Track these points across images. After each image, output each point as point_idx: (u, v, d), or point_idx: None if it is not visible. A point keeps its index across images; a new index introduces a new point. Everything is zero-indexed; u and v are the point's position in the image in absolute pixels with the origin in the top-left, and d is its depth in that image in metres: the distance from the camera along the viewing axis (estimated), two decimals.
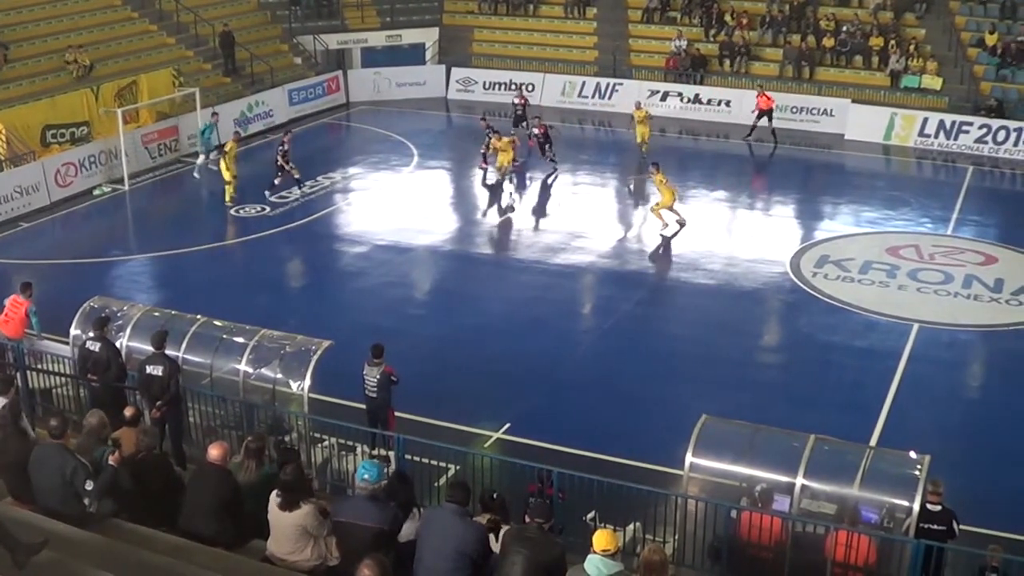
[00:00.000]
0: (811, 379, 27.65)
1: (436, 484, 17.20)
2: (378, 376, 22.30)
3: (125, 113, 43.39)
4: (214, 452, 15.24)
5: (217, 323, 23.70)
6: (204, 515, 14.88)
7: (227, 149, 40.47)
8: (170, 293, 31.83)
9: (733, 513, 17.85)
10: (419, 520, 14.91)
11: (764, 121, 49.01)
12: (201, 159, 43.58)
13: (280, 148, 40.98)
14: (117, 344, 22.23)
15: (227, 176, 39.89)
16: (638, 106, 47.11)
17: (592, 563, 13.12)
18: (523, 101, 49.00)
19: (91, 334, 21.97)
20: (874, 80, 52.23)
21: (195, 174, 43.29)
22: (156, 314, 24.45)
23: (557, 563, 13.70)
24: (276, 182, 40.87)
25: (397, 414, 22.82)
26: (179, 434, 20.72)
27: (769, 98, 49.16)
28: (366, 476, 14.21)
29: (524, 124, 47.24)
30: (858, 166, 47.79)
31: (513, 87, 55.80)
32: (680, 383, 26.70)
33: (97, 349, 21.34)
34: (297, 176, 41.03)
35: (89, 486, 14.57)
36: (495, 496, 16.79)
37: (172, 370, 20.65)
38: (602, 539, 13.25)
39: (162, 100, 46.59)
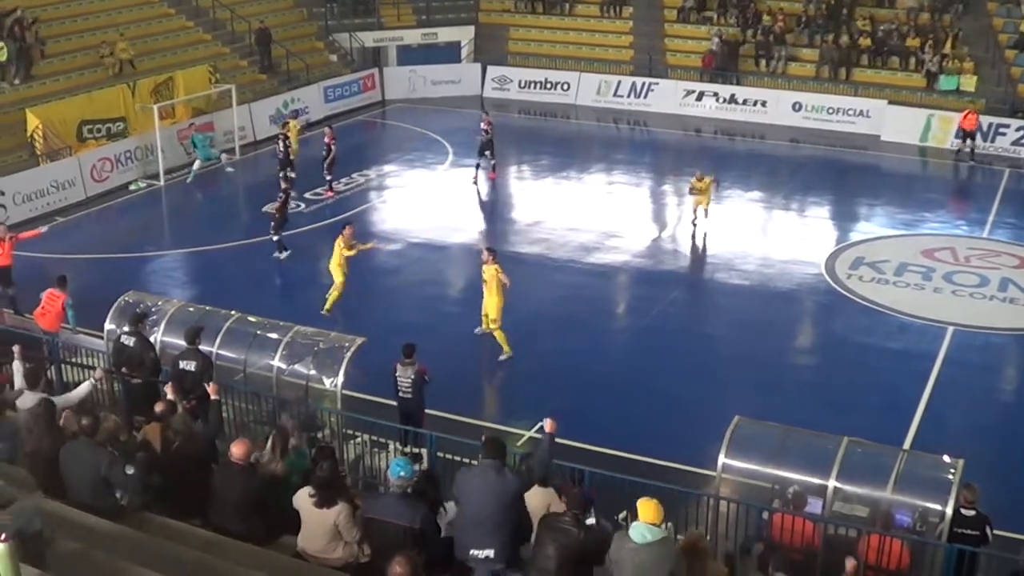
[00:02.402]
0: (845, 381, 27.52)
1: None
2: (412, 376, 22.35)
3: (161, 109, 43.66)
4: (236, 450, 15.24)
5: (251, 319, 23.79)
6: (230, 513, 14.91)
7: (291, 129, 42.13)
8: (204, 289, 32.00)
9: (765, 515, 17.84)
10: (455, 486, 14.97)
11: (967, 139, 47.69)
12: (197, 164, 43.76)
13: (282, 141, 41.43)
14: (151, 339, 22.31)
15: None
16: (700, 177, 38.34)
17: (638, 530, 13.42)
18: (489, 125, 43.75)
19: (126, 329, 22.07)
20: (910, 81, 52.03)
21: (188, 180, 43.53)
22: (190, 309, 24.61)
23: (590, 552, 13.87)
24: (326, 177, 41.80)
25: (430, 412, 22.88)
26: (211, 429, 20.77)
27: (974, 118, 47.16)
28: (401, 473, 14.18)
29: (489, 153, 43.61)
30: (894, 168, 47.63)
31: (548, 85, 56.00)
32: (713, 384, 26.65)
33: (132, 344, 21.43)
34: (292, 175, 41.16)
35: (130, 470, 14.68)
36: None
37: (205, 365, 20.71)
38: (647, 510, 13.53)
39: (198, 96, 46.77)
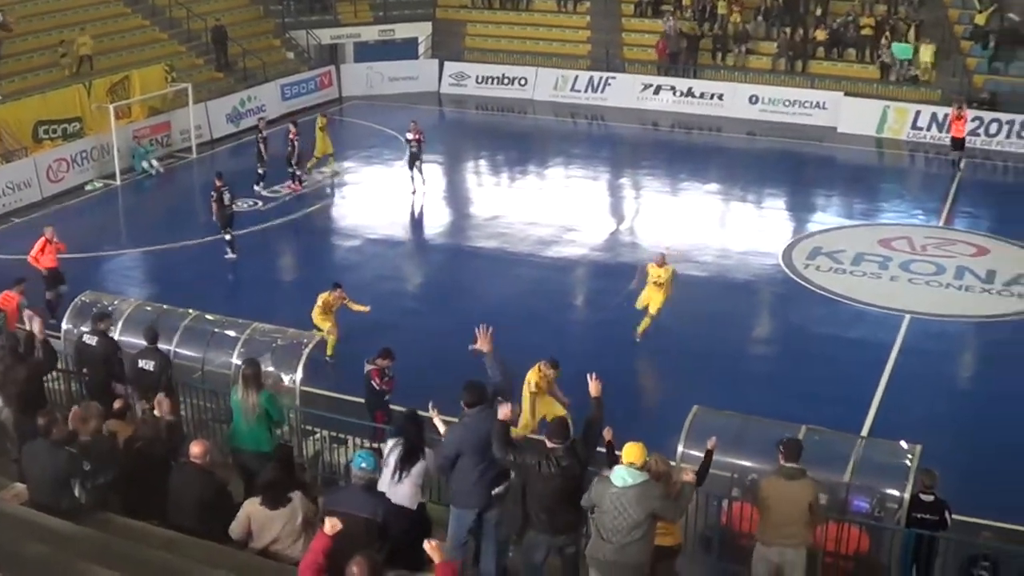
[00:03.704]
0: (803, 370, 27.69)
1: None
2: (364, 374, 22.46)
3: (117, 109, 43.43)
4: (195, 450, 15.19)
5: (209, 317, 23.79)
6: (188, 513, 14.85)
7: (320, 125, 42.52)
8: (162, 288, 31.88)
9: (725, 503, 17.93)
10: (451, 441, 15.47)
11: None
12: (144, 163, 43.87)
13: (259, 136, 41.38)
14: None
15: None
16: (661, 261, 28.69)
17: (618, 473, 13.95)
18: (418, 136, 41.25)
19: (87, 329, 21.98)
20: (866, 73, 52.21)
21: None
22: (148, 308, 24.56)
23: (580, 481, 14.60)
24: (297, 170, 41.81)
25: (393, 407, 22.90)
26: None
27: (963, 125, 44.58)
28: (363, 465, 14.20)
29: (418, 164, 41.57)
30: (851, 159, 47.84)
31: (505, 81, 56.15)
32: (672, 374, 26.76)
33: (94, 343, 21.34)
34: (263, 171, 41.37)
35: (87, 466, 14.69)
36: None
37: (164, 364, 20.65)
38: (631, 452, 14.11)
39: (154, 96, 46.53)
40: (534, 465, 14.51)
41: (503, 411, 15.02)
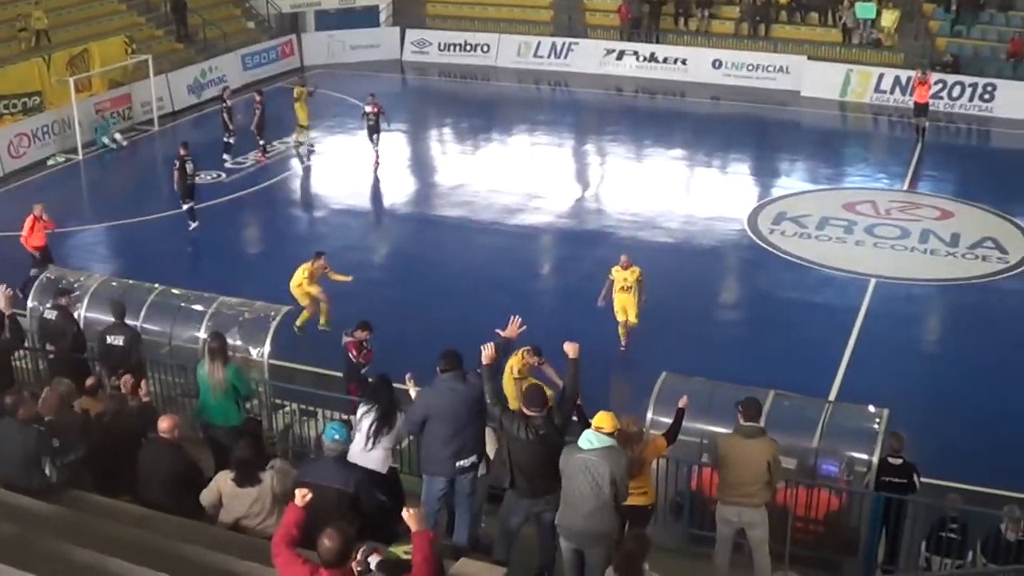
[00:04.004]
0: (770, 335, 27.83)
1: (398, 447, 17.31)
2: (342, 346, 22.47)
3: (77, 82, 43.15)
4: (164, 425, 15.17)
5: (175, 291, 23.73)
6: (159, 490, 14.84)
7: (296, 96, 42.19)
8: (127, 263, 31.79)
9: (695, 469, 18.04)
10: (422, 405, 15.53)
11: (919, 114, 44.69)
12: (105, 138, 43.60)
13: (224, 106, 41.28)
14: (75, 315, 22.18)
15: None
16: (626, 264, 26.74)
17: (585, 436, 14.13)
18: (376, 109, 40.76)
19: (49, 304, 21.95)
20: (829, 36, 52.36)
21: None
22: (113, 284, 24.44)
23: (558, 448, 14.56)
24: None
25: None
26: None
27: (927, 90, 44.20)
28: (336, 437, 14.19)
29: (376, 137, 40.84)
30: (814, 123, 47.99)
31: (467, 48, 56.08)
32: (640, 341, 26.76)
33: (53, 318, 21.31)
34: (230, 141, 41.30)
35: (57, 444, 14.70)
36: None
37: (133, 339, 20.63)
38: (601, 418, 14.41)
39: (114, 68, 46.24)
40: (513, 429, 14.58)
41: (486, 353, 15.16)
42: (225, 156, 40.75)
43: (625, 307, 26.53)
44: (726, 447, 15.86)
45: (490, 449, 16.58)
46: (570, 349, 15.41)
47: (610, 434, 14.24)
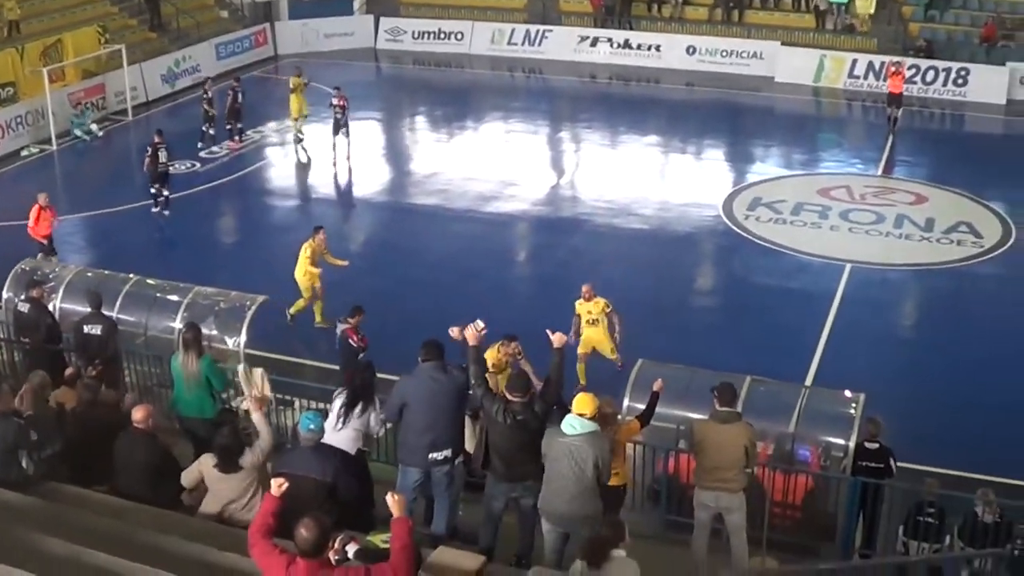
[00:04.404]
0: (746, 321, 27.87)
1: (376, 436, 17.32)
2: (338, 335, 22.48)
3: (51, 72, 42.95)
4: (138, 415, 15.11)
5: (150, 282, 23.71)
6: (135, 480, 14.79)
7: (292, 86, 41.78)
8: (102, 253, 31.64)
9: (671, 455, 18.08)
10: (400, 394, 15.43)
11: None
12: (78, 131, 43.30)
13: (205, 96, 41.26)
14: (50, 306, 22.12)
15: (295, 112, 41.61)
16: (588, 294, 24.61)
17: (567, 421, 14.13)
18: (343, 102, 40.14)
19: (23, 296, 21.89)
20: (803, 22, 52.49)
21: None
22: (88, 275, 24.41)
23: (537, 435, 14.55)
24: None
25: (331, 367, 22.87)
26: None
27: (900, 80, 43.58)
28: (311, 427, 14.17)
29: (344, 131, 40.13)
30: (788, 109, 48.10)
31: (441, 35, 55.99)
32: None
33: (26, 311, 21.24)
34: (211, 132, 41.42)
35: (35, 436, 14.67)
36: None
37: (110, 329, 20.58)
38: (581, 402, 14.26)
39: (88, 58, 46.02)
40: (493, 412, 14.61)
41: (468, 333, 15.18)
42: (200, 144, 40.73)
43: (595, 343, 24.47)
44: (702, 432, 15.88)
45: (469, 445, 16.58)
46: (556, 339, 15.25)
47: (592, 418, 14.23)
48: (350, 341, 22.06)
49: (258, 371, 16.50)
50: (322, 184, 38.52)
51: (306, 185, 38.52)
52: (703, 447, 15.85)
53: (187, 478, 14.48)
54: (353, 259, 31.30)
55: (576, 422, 14.05)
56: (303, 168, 40.35)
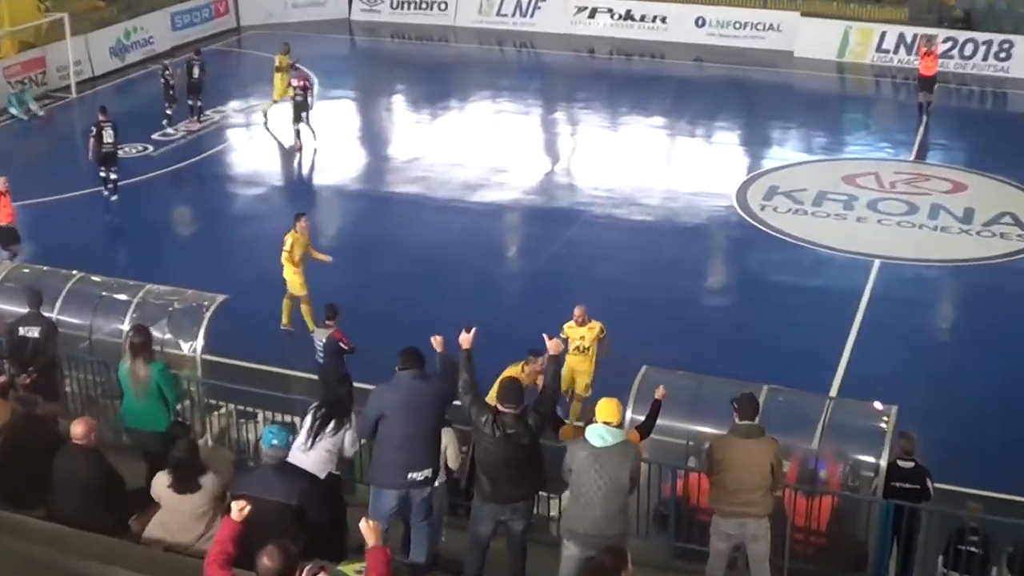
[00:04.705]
0: (762, 324, 27.73)
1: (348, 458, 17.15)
2: (324, 340, 22.49)
3: None
4: (78, 430, 14.89)
5: (95, 279, 23.45)
6: (76, 503, 14.58)
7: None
8: (41, 246, 31.36)
9: (680, 475, 17.90)
10: (375, 405, 15.12)
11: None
12: (13, 109, 43.26)
13: (166, 72, 41.11)
14: None
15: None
16: (582, 318, 23.46)
17: (595, 431, 13.98)
18: (304, 84, 39.86)
19: None
20: None
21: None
22: (25, 271, 24.20)
23: (530, 451, 14.53)
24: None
25: (299, 374, 22.76)
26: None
27: (934, 61, 42.46)
28: (274, 442, 13.94)
29: (305, 115, 39.66)
30: (809, 87, 48.04)
31: (423, 5, 55.82)
32: (616, 331, 26.48)
33: None
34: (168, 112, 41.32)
35: None
36: None
37: (49, 331, 20.31)
38: (606, 409, 14.12)
39: (26, 28, 45.83)
40: (481, 423, 14.40)
41: (461, 337, 14.99)
42: (165, 123, 40.97)
43: (575, 373, 23.12)
44: (723, 449, 15.57)
45: (451, 458, 16.42)
46: (552, 345, 15.13)
47: (619, 425, 14.19)
48: (341, 344, 22.06)
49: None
50: (290, 170, 38.38)
51: (271, 172, 38.32)
52: (724, 466, 15.50)
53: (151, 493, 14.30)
54: (323, 252, 31.22)
55: (605, 432, 13.92)
56: (274, 153, 40.15)
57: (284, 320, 26.85)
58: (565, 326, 23.14)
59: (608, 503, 13.98)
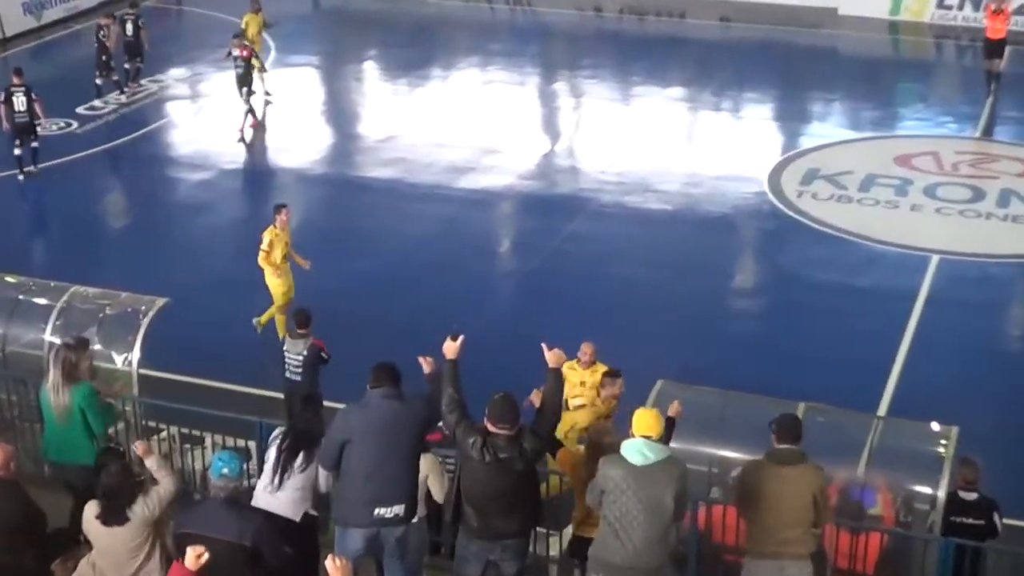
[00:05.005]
0: (799, 330, 27.78)
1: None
2: (303, 352, 22.17)
3: None
4: None
5: (10, 279, 23.50)
6: None
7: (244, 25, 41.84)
8: None
9: (702, 507, 17.99)
10: (340, 426, 15.07)
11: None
12: None
13: (101, 34, 41.02)
14: None
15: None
16: (590, 357, 21.75)
17: (634, 447, 14.04)
18: (245, 52, 39.62)
19: None
20: None
21: None
22: None
23: (525, 480, 14.57)
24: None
25: (256, 392, 22.77)
26: None
27: (1003, 21, 41.90)
28: (225, 471, 13.98)
29: (246, 91, 39.70)
30: (856, 50, 48.15)
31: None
32: (628, 339, 26.49)
33: None
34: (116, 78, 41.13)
35: None
36: None
37: None
38: (644, 421, 14.21)
39: None
40: (468, 445, 14.36)
41: (445, 345, 15.05)
42: (119, 93, 41.46)
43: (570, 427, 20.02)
44: (757, 478, 15.47)
45: (435, 490, 16.42)
46: (552, 357, 15.14)
47: (660, 439, 14.29)
48: (322, 355, 22.03)
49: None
50: (241, 150, 38.32)
51: (220, 153, 38.19)
52: (759, 498, 15.37)
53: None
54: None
55: (645, 447, 13.99)
56: (216, 129, 40.11)
57: (261, 319, 26.86)
58: (565, 366, 18.56)
59: (649, 529, 14.07)
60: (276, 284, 26.39)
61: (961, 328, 27.88)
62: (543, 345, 15.25)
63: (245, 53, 39.52)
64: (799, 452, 15.40)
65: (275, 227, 26.43)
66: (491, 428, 14.39)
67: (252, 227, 30.71)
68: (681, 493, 14.14)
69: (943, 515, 17.47)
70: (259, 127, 39.79)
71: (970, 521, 17.28)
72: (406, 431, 14.86)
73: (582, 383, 21.51)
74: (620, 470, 14.04)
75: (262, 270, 26.38)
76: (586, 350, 21.55)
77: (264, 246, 26.15)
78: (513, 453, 14.29)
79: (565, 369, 18.84)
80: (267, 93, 42.00)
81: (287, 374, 22.47)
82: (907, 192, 34.12)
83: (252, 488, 16.15)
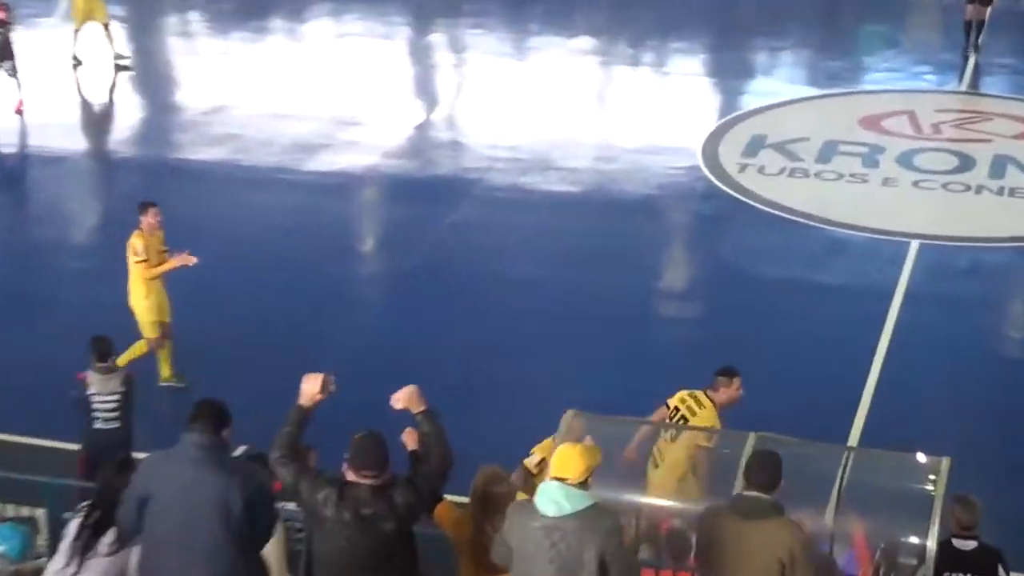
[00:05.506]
0: (745, 340, 27.47)
1: None
2: (121, 390, 21.41)
3: None
4: None
5: None
6: None
7: None
8: None
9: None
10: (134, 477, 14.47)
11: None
12: None
13: None
14: None
15: None
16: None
17: (548, 495, 13.62)
18: (5, 17, 39.45)
19: None
20: None
21: None
22: None
23: (395, 542, 14.02)
24: None
25: (44, 443, 22.53)
26: None
27: None
28: (2, 549, 13.74)
29: (9, 66, 39.15)
30: None
31: None
32: (527, 357, 26.48)
33: None
34: None
35: None
36: None
37: None
38: (564, 461, 13.78)
39: None
40: (318, 502, 13.82)
41: (306, 386, 14.61)
42: None
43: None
44: (713, 531, 15.07)
45: (275, 568, 16.02)
46: (405, 397, 14.79)
47: (582, 484, 13.74)
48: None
49: None
50: (11, 128, 37.90)
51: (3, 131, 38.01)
52: (714, 556, 15.01)
53: None
54: (83, 253, 31.04)
55: (560, 494, 13.53)
56: None
57: (166, 373, 25.96)
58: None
59: None
60: (144, 307, 25.48)
61: (949, 331, 27.84)
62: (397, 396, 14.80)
63: (2, 15, 38.94)
64: (770, 503, 14.74)
65: (142, 230, 25.54)
66: (351, 477, 13.91)
67: (40, 230, 30.59)
68: (611, 554, 13.59)
69: (934, 570, 17.35)
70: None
71: None
72: (219, 498, 13.81)
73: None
74: (529, 524, 13.66)
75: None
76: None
77: (138, 255, 25.24)
78: (380, 508, 13.75)
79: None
80: (75, 57, 41.94)
81: (96, 424, 21.52)
82: (877, 162, 34.31)
83: (39, 572, 15.81)
